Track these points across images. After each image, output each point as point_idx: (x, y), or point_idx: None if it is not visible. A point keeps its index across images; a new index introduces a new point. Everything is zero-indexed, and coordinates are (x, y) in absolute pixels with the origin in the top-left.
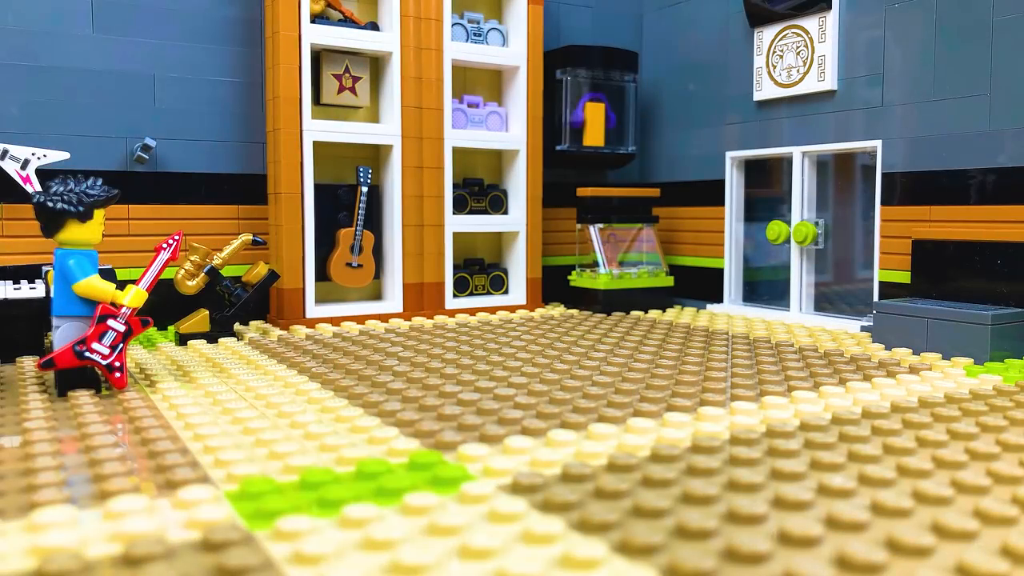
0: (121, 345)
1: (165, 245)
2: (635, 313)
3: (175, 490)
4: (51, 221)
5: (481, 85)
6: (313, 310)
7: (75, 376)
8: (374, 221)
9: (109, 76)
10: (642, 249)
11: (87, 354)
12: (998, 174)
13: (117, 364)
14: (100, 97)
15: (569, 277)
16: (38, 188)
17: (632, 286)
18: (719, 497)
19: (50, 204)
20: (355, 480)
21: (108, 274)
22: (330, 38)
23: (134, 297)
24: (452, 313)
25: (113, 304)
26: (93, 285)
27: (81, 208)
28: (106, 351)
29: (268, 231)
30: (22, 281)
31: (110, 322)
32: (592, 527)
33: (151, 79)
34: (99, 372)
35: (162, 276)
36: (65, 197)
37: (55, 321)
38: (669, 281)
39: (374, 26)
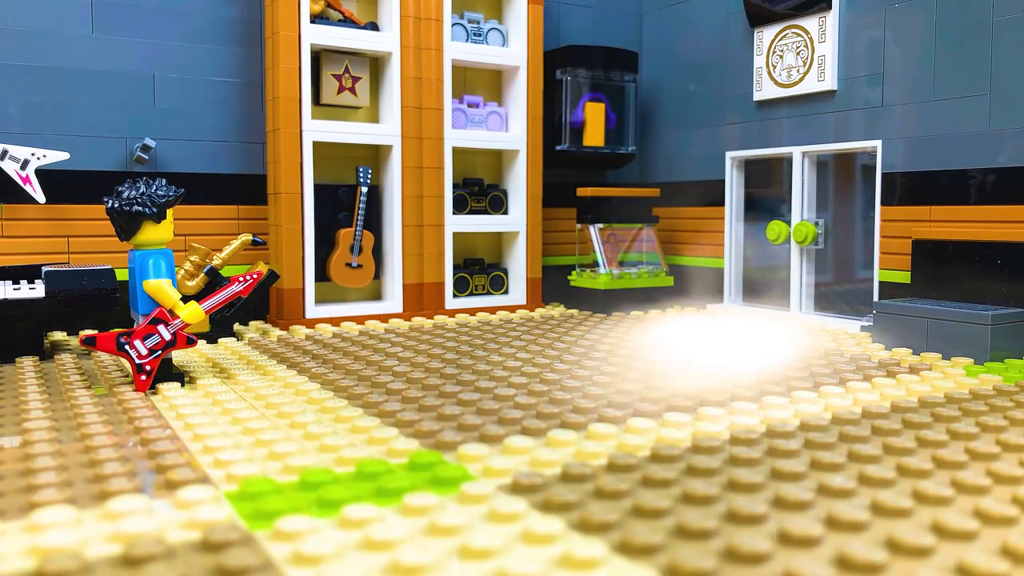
0: (160, 352)
1: (242, 279)
2: (635, 313)
3: (175, 490)
4: (128, 224)
5: (481, 85)
6: (313, 310)
7: (164, 369)
8: (374, 221)
9: (109, 76)
10: (642, 249)
11: (126, 347)
12: (998, 174)
13: (148, 368)
14: (100, 97)
15: (569, 277)
16: (38, 188)
17: (632, 286)
18: (719, 497)
19: (127, 209)
20: (355, 480)
21: (107, 274)
22: (330, 38)
23: (191, 313)
24: (452, 313)
25: (171, 312)
26: (162, 288)
27: (155, 209)
28: (144, 351)
29: (268, 231)
30: (22, 281)
31: (160, 327)
32: (592, 527)
33: (151, 79)
34: (133, 368)
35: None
36: (139, 200)
37: (140, 319)
38: (669, 281)
39: (374, 26)
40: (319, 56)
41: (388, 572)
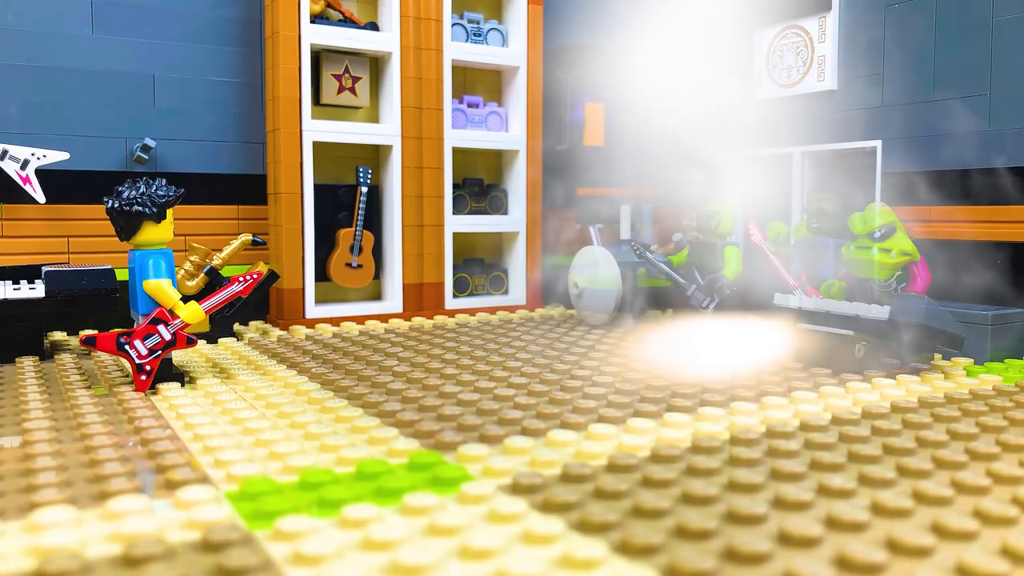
0: (160, 352)
1: (242, 279)
2: None
3: (175, 490)
4: (128, 224)
5: (481, 85)
6: (313, 310)
7: (164, 370)
8: (374, 221)
9: (109, 76)
10: None
11: (126, 347)
12: (998, 174)
13: (148, 368)
14: (100, 97)
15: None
16: (38, 188)
17: None
18: (719, 497)
19: (127, 209)
20: (355, 480)
21: (107, 274)
22: (330, 38)
23: (191, 313)
24: (452, 313)
25: (171, 312)
26: (162, 288)
27: (155, 209)
28: (144, 351)
29: (268, 231)
30: (22, 281)
31: (160, 327)
32: (592, 527)
33: (151, 79)
34: (134, 367)
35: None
36: (139, 200)
37: (140, 319)
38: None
39: (374, 26)
40: (319, 56)
41: (388, 572)
